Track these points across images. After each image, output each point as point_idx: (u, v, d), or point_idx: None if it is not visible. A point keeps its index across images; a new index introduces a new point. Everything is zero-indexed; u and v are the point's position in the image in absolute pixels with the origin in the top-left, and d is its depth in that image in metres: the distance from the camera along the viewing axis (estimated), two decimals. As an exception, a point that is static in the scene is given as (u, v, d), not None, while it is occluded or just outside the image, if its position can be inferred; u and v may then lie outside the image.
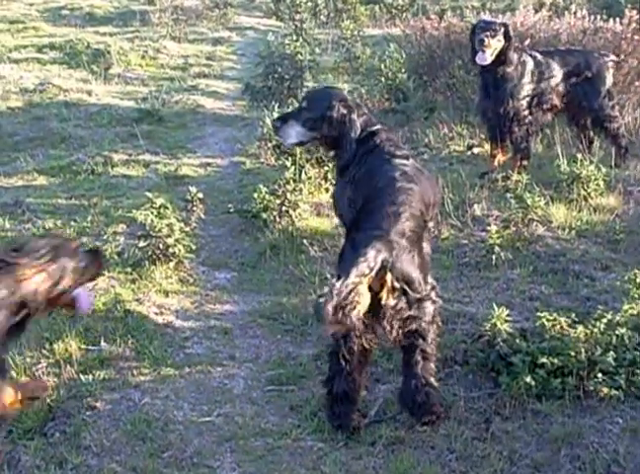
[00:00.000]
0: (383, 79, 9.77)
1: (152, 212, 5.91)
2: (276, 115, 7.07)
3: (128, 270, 5.96)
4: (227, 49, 14.18)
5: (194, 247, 6.17)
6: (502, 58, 6.96)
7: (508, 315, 4.64)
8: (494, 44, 6.90)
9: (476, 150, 8.26)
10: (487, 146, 7.91)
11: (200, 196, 6.59)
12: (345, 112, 4.46)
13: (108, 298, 5.60)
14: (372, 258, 3.74)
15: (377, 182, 4.21)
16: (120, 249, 6.17)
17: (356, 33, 11.85)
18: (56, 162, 8.53)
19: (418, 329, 4.06)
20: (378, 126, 4.55)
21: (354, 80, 10.90)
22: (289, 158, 6.90)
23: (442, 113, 9.05)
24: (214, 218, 7.01)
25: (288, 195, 6.38)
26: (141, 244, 5.90)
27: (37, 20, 17.05)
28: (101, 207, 7.19)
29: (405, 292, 3.92)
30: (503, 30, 6.92)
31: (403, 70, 9.77)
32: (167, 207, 5.98)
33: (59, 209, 7.25)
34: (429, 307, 4.07)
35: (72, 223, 6.78)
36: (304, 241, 6.17)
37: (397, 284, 3.88)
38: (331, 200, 5.13)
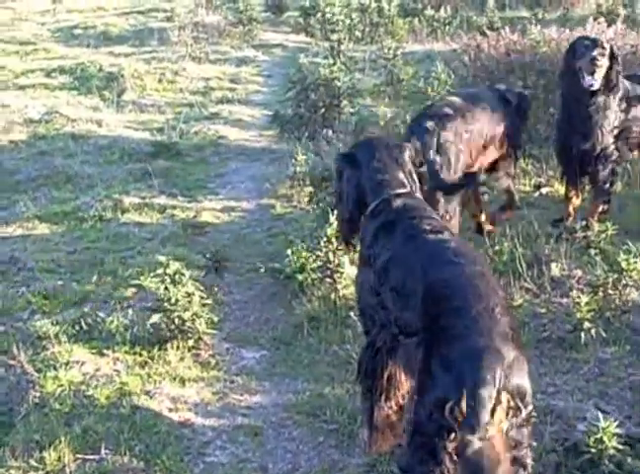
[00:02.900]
0: (428, 102, 8.64)
1: (165, 280, 4.84)
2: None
3: (137, 349, 4.92)
4: (252, 70, 13.08)
5: (216, 319, 5.10)
6: (604, 83, 5.83)
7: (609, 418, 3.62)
8: (605, 65, 5.79)
9: (545, 190, 7.14)
10: (557, 186, 6.79)
11: (224, 255, 5.51)
12: (344, 166, 3.86)
13: (111, 390, 4.58)
14: (492, 382, 2.81)
15: (427, 273, 3.21)
16: (129, 321, 5.12)
17: (396, 50, 10.63)
18: (60, 207, 7.50)
19: (518, 456, 2.99)
20: (402, 190, 3.69)
21: (396, 105, 9.78)
22: (330, 206, 5.83)
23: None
24: (240, 278, 5.94)
25: (330, 255, 5.29)
26: (153, 319, 4.83)
27: (47, 40, 16.13)
28: (108, 265, 6.14)
29: (518, 409, 2.92)
30: (609, 49, 5.80)
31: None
32: (183, 274, 4.90)
33: (60, 267, 6.21)
34: (530, 425, 3.04)
35: (74, 285, 5.77)
36: (350, 313, 5.08)
37: (512, 403, 2.90)
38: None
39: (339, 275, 5.28)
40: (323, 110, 8.38)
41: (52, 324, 5.12)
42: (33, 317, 5.34)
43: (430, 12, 14.93)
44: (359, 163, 3.74)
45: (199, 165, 8.67)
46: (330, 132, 7.88)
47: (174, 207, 7.34)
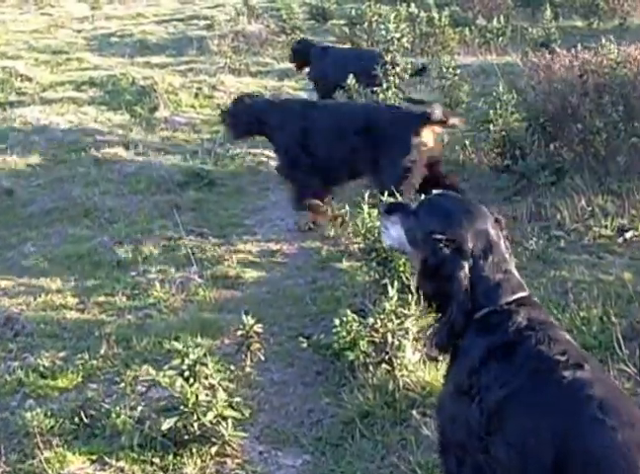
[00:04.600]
0: (492, 127, 7.58)
1: (183, 374, 3.83)
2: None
3: (148, 456, 3.90)
4: (295, 84, 12.02)
5: (247, 413, 4.07)
6: None
7: None
8: None
9: (629, 234, 6.03)
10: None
11: (259, 328, 4.48)
12: (448, 255, 2.74)
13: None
14: None
15: (561, 436, 2.28)
16: (139, 415, 4.11)
17: (455, 68, 9.47)
18: (74, 248, 6.56)
19: None
20: (522, 294, 2.75)
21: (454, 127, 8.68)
22: (388, 266, 4.78)
23: (575, 177, 6.81)
24: (279, 349, 4.90)
25: (389, 336, 4.23)
26: (166, 425, 3.81)
27: (82, 49, 15.32)
28: (121, 330, 5.16)
29: None
30: None
31: (518, 116, 7.57)
32: (205, 364, 3.89)
33: (66, 331, 5.24)
34: None
35: (79, 357, 4.79)
36: (413, 412, 4.03)
37: None
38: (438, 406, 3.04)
39: (399, 360, 4.21)
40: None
41: (46, 415, 4.13)
42: (24, 404, 4.35)
43: (481, 22, 13.79)
44: (464, 249, 2.72)
45: (234, 197, 7.67)
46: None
47: (203, 251, 6.34)
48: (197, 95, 11.15)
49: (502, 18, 13.49)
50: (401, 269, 4.64)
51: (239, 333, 4.45)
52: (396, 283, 4.35)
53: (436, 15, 13.37)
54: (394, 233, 3.09)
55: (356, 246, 5.95)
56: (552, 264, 5.55)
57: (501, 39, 13.09)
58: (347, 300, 5.24)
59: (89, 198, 7.52)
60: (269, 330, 5.01)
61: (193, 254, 6.20)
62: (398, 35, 7.93)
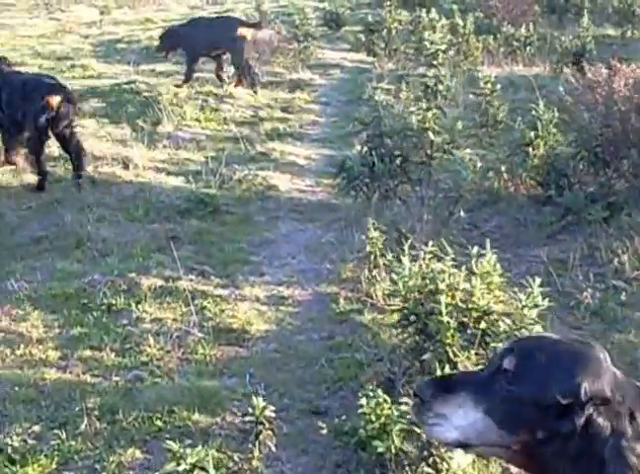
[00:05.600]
0: (531, 151, 6.81)
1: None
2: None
3: None
4: (308, 97, 11.23)
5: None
6: None
7: None
8: None
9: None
10: None
11: (271, 413, 3.71)
12: (601, 422, 1.83)
13: None
14: None
15: None
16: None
17: (494, 84, 8.56)
18: (61, 285, 5.82)
19: None
20: None
21: (486, 149, 7.92)
22: (432, 336, 4.00)
23: (633, 212, 6.01)
24: (291, 430, 4.13)
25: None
26: None
27: (87, 56, 14.56)
28: (107, 397, 4.41)
29: None
30: None
31: (563, 139, 6.79)
32: (205, 469, 3.12)
33: (43, 395, 4.50)
34: None
35: (53, 436, 4.05)
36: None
37: None
38: None
39: (444, 463, 3.43)
40: (399, 159, 6.46)
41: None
42: (-18, 502, 3.62)
43: (507, 29, 12.97)
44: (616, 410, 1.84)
45: (240, 226, 6.89)
46: (408, 188, 6.05)
47: (204, 295, 5.58)
48: (202, 107, 10.38)
49: (530, 25, 12.65)
50: (448, 341, 3.83)
51: (247, 418, 3.68)
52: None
53: (460, 22, 12.55)
54: (461, 421, 2.00)
55: (379, 293, 5.22)
56: (613, 323, 4.76)
57: (528, 48, 12.26)
58: (370, 365, 4.48)
59: (82, 226, 6.79)
60: (278, 402, 4.25)
61: (192, 298, 5.44)
62: (444, 47, 7.10)
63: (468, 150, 7.00)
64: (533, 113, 7.10)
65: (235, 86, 11.04)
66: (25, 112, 7.68)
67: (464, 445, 2.01)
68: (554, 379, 1.87)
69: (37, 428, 4.18)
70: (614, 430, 1.83)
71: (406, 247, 4.28)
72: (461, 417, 1.97)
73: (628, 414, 1.84)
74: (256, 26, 11.63)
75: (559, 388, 1.86)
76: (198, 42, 11.04)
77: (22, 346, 5.03)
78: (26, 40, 16.30)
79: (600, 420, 1.84)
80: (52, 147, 8.73)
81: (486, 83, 8.33)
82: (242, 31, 10.98)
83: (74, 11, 20.86)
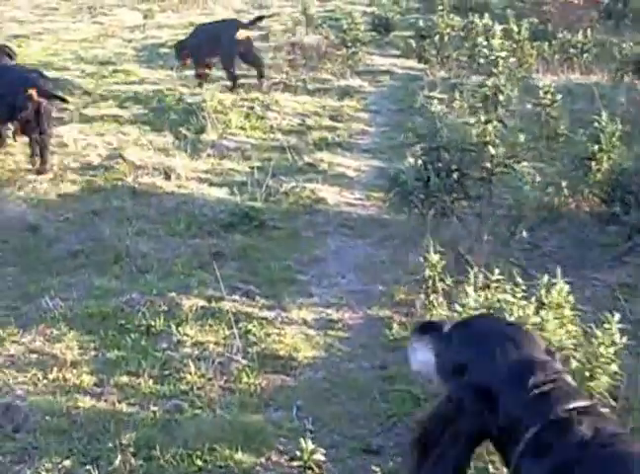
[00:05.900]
0: (594, 165, 6.38)
1: None
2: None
3: None
4: (357, 105, 10.85)
5: None
6: None
7: None
8: None
9: None
10: None
11: (321, 456, 3.37)
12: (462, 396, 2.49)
13: None
14: None
15: None
16: None
17: (554, 94, 8.11)
18: (98, 304, 5.53)
19: None
20: (582, 403, 2.37)
21: (545, 163, 7.49)
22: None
23: None
24: (341, 468, 3.78)
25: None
26: None
27: (130, 61, 14.37)
28: (145, 430, 4.10)
29: None
30: None
31: (628, 154, 6.37)
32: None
33: (75, 426, 4.20)
34: None
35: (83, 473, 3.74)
36: None
37: None
38: None
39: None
40: (457, 173, 6.07)
41: None
42: None
43: (562, 35, 12.48)
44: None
45: (287, 242, 6.56)
46: (462, 204, 5.66)
47: (248, 318, 5.25)
48: (248, 115, 10.07)
49: (588, 31, 12.15)
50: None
51: (295, 463, 3.34)
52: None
53: (515, 27, 12.09)
54: (421, 357, 2.82)
55: (437, 319, 4.83)
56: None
57: (585, 55, 11.77)
58: (427, 400, 4.11)
59: (121, 240, 6.50)
60: (327, 437, 3.91)
61: (236, 321, 5.11)
62: (504, 54, 6.71)
63: (525, 163, 6.59)
64: (596, 124, 6.68)
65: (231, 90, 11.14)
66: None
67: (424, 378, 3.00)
68: (463, 351, 2.58)
69: (67, 462, 3.89)
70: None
71: (471, 276, 3.90)
72: (422, 354, 2.79)
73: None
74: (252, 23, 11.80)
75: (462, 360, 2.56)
76: (201, 50, 11.42)
77: (55, 369, 4.75)
78: (68, 45, 16.15)
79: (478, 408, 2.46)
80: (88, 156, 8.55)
81: (546, 93, 7.89)
82: (241, 33, 11.10)
83: (117, 15, 20.73)
